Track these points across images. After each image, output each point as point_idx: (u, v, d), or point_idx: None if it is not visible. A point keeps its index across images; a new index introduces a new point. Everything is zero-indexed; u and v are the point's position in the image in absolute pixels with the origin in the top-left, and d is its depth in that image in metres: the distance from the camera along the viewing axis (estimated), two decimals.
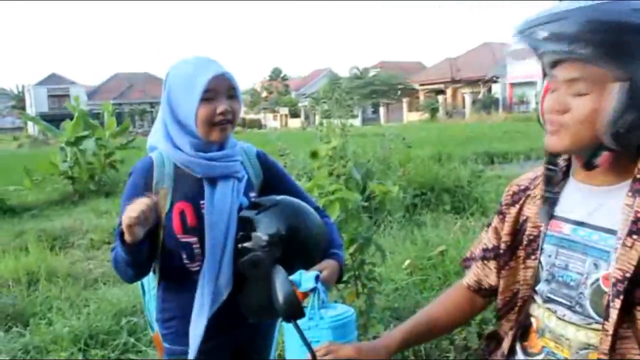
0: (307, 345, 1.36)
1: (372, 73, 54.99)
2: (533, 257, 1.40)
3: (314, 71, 71.05)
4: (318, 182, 3.98)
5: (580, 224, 1.31)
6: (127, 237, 1.73)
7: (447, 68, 50.70)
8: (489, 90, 46.98)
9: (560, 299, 1.34)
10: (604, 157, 1.24)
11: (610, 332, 1.21)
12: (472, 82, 47.55)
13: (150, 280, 2.11)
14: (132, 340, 4.06)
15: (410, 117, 49.36)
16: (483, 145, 16.78)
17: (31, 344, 4.04)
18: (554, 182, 1.38)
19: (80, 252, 7.30)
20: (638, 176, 1.23)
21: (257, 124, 58.82)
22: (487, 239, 1.56)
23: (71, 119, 12.39)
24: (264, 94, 68.70)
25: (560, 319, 1.34)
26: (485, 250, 1.55)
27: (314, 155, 5.95)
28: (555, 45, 1.17)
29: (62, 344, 3.95)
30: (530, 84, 38.79)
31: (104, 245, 7.60)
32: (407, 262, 5.08)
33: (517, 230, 1.45)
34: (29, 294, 5.25)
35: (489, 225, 1.59)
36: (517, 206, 1.46)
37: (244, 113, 74.95)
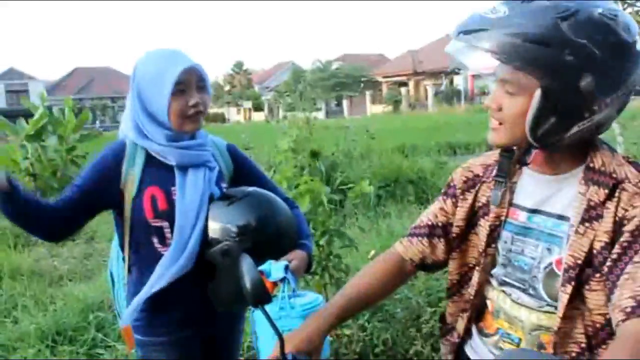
0: (275, 329, 1.40)
1: (334, 66, 54.98)
2: (493, 245, 1.46)
3: (277, 64, 70.72)
4: (286, 174, 4.02)
5: (535, 211, 1.39)
6: None
7: (409, 60, 50.94)
8: (451, 82, 47.40)
9: (514, 282, 1.42)
10: (534, 155, 1.35)
11: (560, 314, 1.30)
12: (434, 74, 47.86)
13: (120, 271, 2.14)
14: (100, 335, 4.06)
15: (374, 109, 49.53)
16: (446, 136, 16.96)
17: None
18: (507, 169, 1.44)
19: (44, 249, 7.20)
20: (590, 165, 1.31)
21: (220, 118, 58.40)
22: (432, 215, 1.60)
23: (30, 115, 12.16)
24: (227, 87, 68.19)
25: (514, 301, 1.43)
26: (432, 226, 1.58)
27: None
28: (485, 53, 1.25)
29: (29, 341, 3.93)
30: (492, 75, 39.21)
31: (68, 242, 7.51)
32: (372, 252, 5.14)
33: (472, 216, 1.52)
34: None
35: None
36: (473, 192, 1.52)
37: None
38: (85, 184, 1.95)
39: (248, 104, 62.64)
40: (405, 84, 50.82)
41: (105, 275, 5.04)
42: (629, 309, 1.16)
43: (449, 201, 1.58)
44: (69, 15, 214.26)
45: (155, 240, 1.96)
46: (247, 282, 1.47)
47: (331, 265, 3.69)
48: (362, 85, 53.03)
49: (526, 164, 1.39)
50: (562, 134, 1.26)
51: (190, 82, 1.93)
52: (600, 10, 1.21)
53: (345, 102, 53.63)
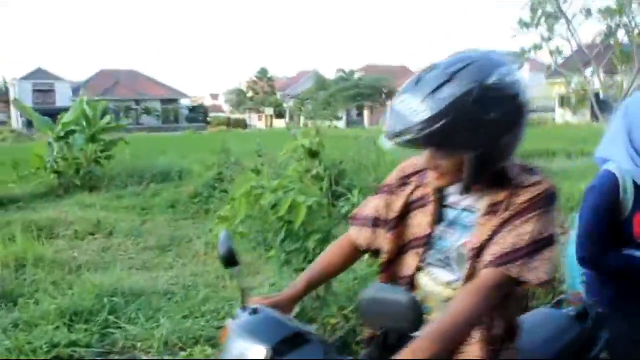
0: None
1: (357, 76, 55.38)
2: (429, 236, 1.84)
3: (300, 72, 71.19)
4: (284, 182, 4.40)
5: (452, 207, 1.79)
6: None
7: None
8: None
9: (436, 263, 1.82)
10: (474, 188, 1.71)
11: (461, 286, 1.71)
12: None
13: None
14: (112, 318, 4.48)
15: None
16: None
17: (20, 319, 4.43)
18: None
19: (65, 242, 7.68)
20: (497, 172, 1.69)
21: (242, 124, 59.00)
22: (374, 209, 1.96)
23: (57, 114, 12.75)
24: (250, 93, 68.76)
25: (434, 279, 1.82)
26: (375, 219, 1.94)
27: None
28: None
29: (49, 319, 4.35)
30: None
31: (88, 236, 8.00)
32: (366, 256, 5.47)
33: (405, 208, 1.88)
34: (16, 277, 5.63)
35: (376, 193, 2.00)
36: (406, 190, 1.90)
37: (229, 112, 74.42)
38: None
39: (270, 111, 63.21)
40: None
41: (119, 267, 5.45)
42: (487, 262, 1.62)
43: (386, 197, 1.94)
44: (96, 17, 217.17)
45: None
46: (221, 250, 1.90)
47: None
48: (383, 95, 53.40)
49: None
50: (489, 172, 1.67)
51: None
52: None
53: (366, 112, 54.00)
